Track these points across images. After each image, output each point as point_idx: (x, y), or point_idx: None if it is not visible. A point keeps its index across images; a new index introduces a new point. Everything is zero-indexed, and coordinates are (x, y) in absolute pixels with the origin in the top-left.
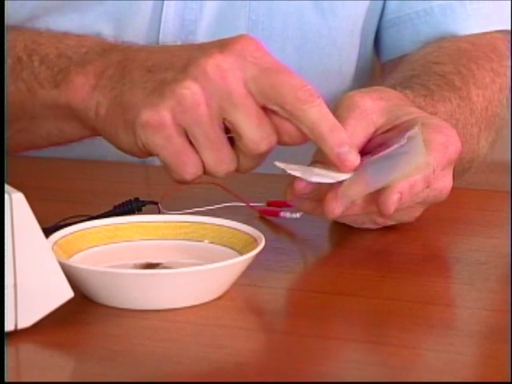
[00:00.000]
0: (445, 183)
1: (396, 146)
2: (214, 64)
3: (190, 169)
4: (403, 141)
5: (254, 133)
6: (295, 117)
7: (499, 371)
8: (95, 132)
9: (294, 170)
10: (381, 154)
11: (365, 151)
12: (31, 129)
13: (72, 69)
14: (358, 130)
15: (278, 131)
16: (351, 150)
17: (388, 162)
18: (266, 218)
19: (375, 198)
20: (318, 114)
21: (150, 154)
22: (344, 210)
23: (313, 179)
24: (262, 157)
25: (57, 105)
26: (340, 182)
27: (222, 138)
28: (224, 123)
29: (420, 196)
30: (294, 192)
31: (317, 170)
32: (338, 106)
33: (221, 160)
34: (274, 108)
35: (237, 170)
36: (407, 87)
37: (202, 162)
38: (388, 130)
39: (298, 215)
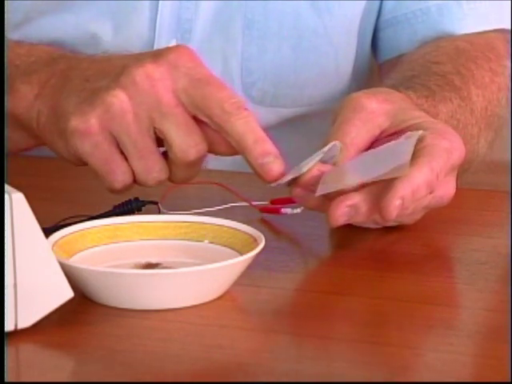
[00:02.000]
0: (448, 189)
1: (392, 142)
2: (144, 73)
3: (118, 176)
4: (400, 139)
5: (183, 141)
6: (222, 128)
7: (499, 371)
8: (39, 141)
9: (286, 177)
10: (373, 149)
11: None
12: None
13: (18, 78)
14: (363, 131)
15: (209, 141)
16: (275, 160)
17: (375, 157)
18: (266, 218)
19: (378, 203)
20: (244, 127)
21: (84, 162)
22: (348, 219)
23: (303, 170)
24: (193, 166)
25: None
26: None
27: (151, 147)
28: (155, 133)
29: (422, 202)
30: (300, 184)
31: (302, 163)
32: (343, 107)
33: (150, 168)
34: (204, 119)
35: (170, 180)
36: (409, 88)
37: (132, 170)
38: (393, 134)
39: (299, 210)
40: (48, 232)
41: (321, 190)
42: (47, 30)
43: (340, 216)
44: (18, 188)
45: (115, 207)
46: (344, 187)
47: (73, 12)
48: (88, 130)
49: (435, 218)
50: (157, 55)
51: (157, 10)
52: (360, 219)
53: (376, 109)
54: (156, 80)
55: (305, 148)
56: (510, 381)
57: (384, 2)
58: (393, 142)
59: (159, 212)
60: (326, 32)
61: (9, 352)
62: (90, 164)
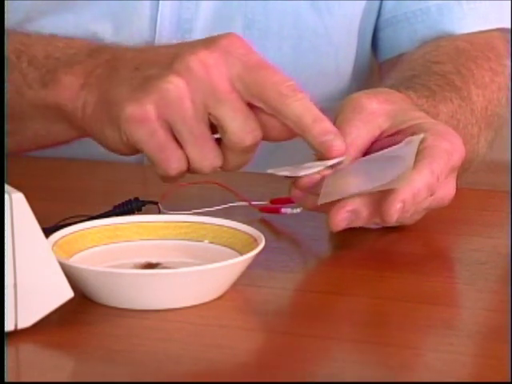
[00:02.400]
0: (448, 190)
1: (394, 147)
2: (199, 60)
3: (173, 164)
4: (401, 144)
5: (239, 127)
6: (279, 111)
7: (499, 371)
8: (82, 132)
9: (284, 171)
10: (375, 154)
11: (368, 154)
12: (18, 131)
13: (60, 69)
14: (363, 132)
15: (264, 128)
16: (336, 137)
17: (377, 164)
18: (266, 218)
19: (378, 207)
20: (301, 108)
21: (136, 150)
22: (348, 224)
23: (301, 173)
24: (247, 153)
25: (45, 105)
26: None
27: (207, 133)
28: (209, 119)
29: (423, 205)
30: (298, 186)
31: (305, 165)
32: (343, 107)
33: (205, 155)
34: (259, 105)
35: (223, 168)
36: (409, 88)
37: (187, 157)
38: (393, 134)
39: (298, 210)
40: (48, 232)
41: (323, 199)
42: (48, 30)
43: (341, 221)
44: (18, 188)
45: (115, 207)
46: (346, 196)
47: (73, 12)
48: (144, 117)
49: (435, 218)
50: (209, 42)
51: (157, 9)
52: (361, 223)
53: (376, 109)
54: (210, 66)
55: (304, 148)
56: (510, 381)
57: (384, 2)
58: (394, 147)
59: (159, 212)
60: (326, 32)
61: (9, 352)
62: (145, 151)
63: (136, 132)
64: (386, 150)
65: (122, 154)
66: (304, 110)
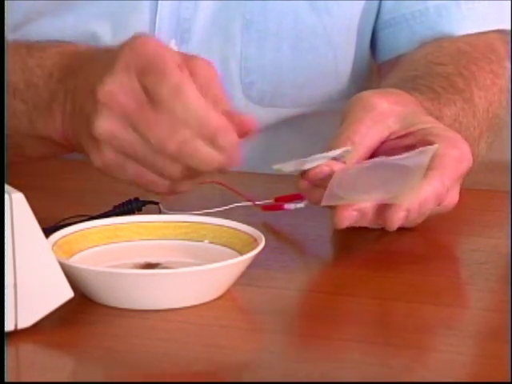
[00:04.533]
0: (452, 198)
1: (406, 155)
2: (108, 93)
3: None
4: (414, 152)
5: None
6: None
7: (499, 371)
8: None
9: (289, 166)
10: (385, 158)
11: (376, 154)
12: (23, 152)
13: (42, 106)
14: (373, 131)
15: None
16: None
17: (387, 172)
18: (267, 218)
19: (383, 211)
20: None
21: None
22: (353, 223)
23: (307, 167)
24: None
25: (40, 136)
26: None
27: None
28: None
29: (428, 208)
30: (307, 178)
31: (309, 158)
32: (353, 105)
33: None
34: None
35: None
36: (415, 89)
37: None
38: (401, 136)
39: (302, 205)
40: (48, 232)
41: (327, 201)
42: (47, 31)
43: (346, 218)
44: (18, 188)
45: (115, 207)
46: (351, 202)
47: (72, 12)
48: (108, 163)
49: (436, 218)
50: (111, 60)
51: (156, 9)
52: (365, 224)
53: (387, 110)
54: (118, 94)
55: (304, 148)
56: (510, 381)
57: (382, 3)
58: (406, 154)
59: (160, 212)
60: (325, 32)
61: (9, 352)
62: (130, 183)
63: (114, 175)
64: (397, 157)
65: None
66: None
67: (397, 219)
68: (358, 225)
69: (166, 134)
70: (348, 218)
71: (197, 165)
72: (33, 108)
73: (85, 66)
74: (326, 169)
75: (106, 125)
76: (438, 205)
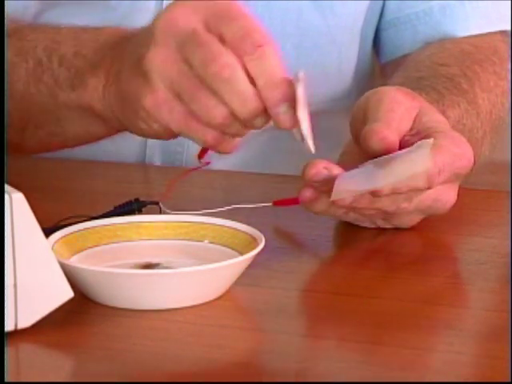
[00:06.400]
0: (450, 196)
1: (404, 151)
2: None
3: (212, 114)
4: (412, 147)
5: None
6: None
7: (499, 371)
8: (119, 128)
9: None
10: (385, 156)
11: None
12: (59, 133)
13: (87, 71)
14: (404, 123)
15: None
16: (288, 109)
17: (389, 165)
18: (267, 218)
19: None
20: (255, 69)
21: (174, 133)
22: (352, 201)
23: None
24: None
25: (78, 106)
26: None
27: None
28: None
29: (424, 203)
30: (306, 177)
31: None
32: (379, 98)
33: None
34: None
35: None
36: (420, 89)
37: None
38: (414, 134)
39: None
40: (48, 232)
41: (335, 195)
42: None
43: (315, 175)
44: (18, 188)
45: (116, 208)
46: (358, 193)
47: (79, 12)
48: (156, 102)
49: (435, 218)
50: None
51: (162, 8)
52: (363, 204)
53: (411, 107)
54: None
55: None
56: (510, 381)
57: (386, 3)
58: (404, 150)
59: (161, 212)
60: (329, 31)
61: (9, 352)
62: (175, 129)
63: (161, 118)
64: (396, 153)
65: (166, 139)
66: (258, 72)
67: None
68: (357, 205)
69: (211, 59)
70: (317, 174)
71: (236, 100)
72: (75, 73)
73: (135, 37)
74: (325, 172)
75: (158, 56)
76: (429, 188)
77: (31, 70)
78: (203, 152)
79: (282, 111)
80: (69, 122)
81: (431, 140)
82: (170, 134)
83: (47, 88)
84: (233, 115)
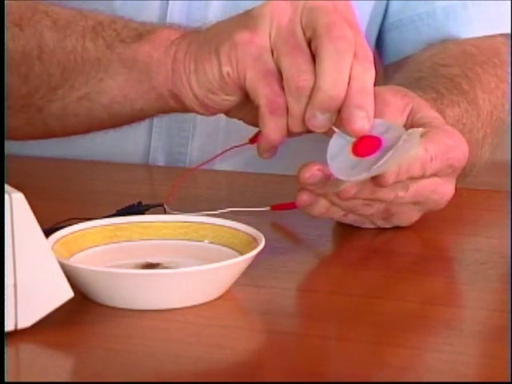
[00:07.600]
0: (447, 190)
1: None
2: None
3: (276, 86)
4: (402, 137)
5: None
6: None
7: (499, 371)
8: (163, 90)
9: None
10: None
11: None
12: (94, 94)
13: (158, 26)
14: (397, 122)
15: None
16: (367, 116)
17: (381, 153)
18: (266, 218)
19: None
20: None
21: (230, 88)
22: (356, 192)
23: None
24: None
25: (134, 58)
26: None
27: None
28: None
29: (422, 194)
30: (301, 179)
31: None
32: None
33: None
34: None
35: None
36: (418, 88)
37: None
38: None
39: None
40: (48, 232)
41: (332, 188)
42: None
43: (309, 178)
44: (18, 188)
45: (118, 212)
46: (354, 180)
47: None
48: (252, 39)
49: (435, 218)
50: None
51: (167, 9)
52: (366, 195)
53: (400, 105)
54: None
55: (306, 148)
56: (510, 381)
57: (390, 4)
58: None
59: (165, 212)
60: None
61: (9, 352)
62: (247, 77)
63: (244, 54)
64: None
65: (216, 95)
66: (358, 75)
67: (389, 176)
68: (359, 196)
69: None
70: (311, 177)
71: (328, 80)
72: (142, 29)
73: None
74: (319, 174)
75: (276, 5)
76: (423, 176)
77: (90, 28)
78: (256, 137)
79: (360, 115)
80: (112, 81)
81: (420, 129)
82: (231, 83)
83: (105, 42)
84: (314, 93)
